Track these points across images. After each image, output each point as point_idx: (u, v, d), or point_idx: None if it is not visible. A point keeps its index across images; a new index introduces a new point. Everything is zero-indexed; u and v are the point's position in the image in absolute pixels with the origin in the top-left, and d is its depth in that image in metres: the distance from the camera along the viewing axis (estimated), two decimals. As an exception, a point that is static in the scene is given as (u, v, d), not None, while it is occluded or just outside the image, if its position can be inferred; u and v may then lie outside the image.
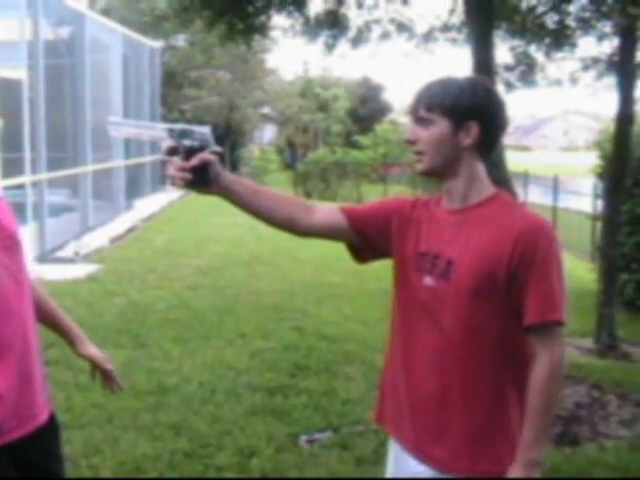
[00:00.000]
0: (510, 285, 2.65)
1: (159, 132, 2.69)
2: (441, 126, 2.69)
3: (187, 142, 2.62)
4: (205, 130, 2.68)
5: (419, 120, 2.73)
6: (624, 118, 9.96)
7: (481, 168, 2.78)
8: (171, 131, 2.65)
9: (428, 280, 2.74)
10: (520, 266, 2.64)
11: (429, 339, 2.76)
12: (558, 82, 12.57)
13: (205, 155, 2.60)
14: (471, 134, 2.69)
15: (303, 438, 6.10)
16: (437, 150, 2.71)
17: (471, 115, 2.68)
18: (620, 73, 10.20)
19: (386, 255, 2.95)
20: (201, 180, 2.63)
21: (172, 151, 2.62)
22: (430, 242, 2.78)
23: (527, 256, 2.63)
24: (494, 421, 2.73)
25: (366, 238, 2.93)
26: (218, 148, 2.68)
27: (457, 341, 2.70)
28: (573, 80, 12.28)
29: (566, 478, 5.61)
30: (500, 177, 7.29)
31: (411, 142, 2.77)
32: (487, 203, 2.76)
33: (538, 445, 2.70)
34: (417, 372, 2.81)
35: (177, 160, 2.59)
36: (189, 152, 2.60)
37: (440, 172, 2.78)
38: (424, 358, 2.79)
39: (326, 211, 2.99)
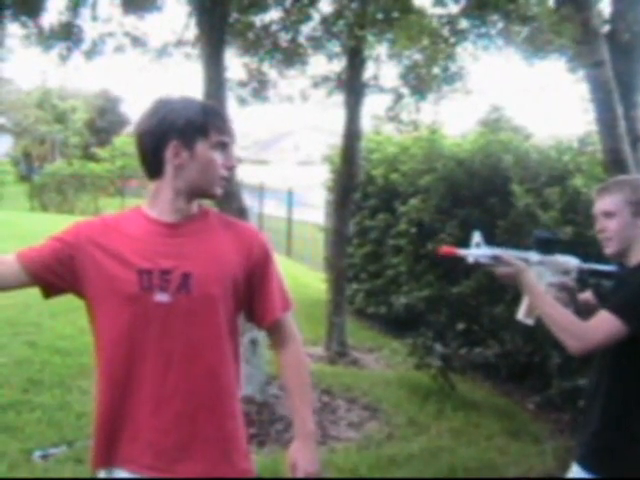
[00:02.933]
0: (247, 287, 2.87)
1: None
2: None
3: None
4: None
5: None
6: (351, 134, 10.43)
7: None
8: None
9: (160, 296, 2.74)
10: (256, 270, 2.87)
11: (164, 357, 2.77)
12: (290, 98, 12.90)
13: None
14: None
15: (37, 454, 6.03)
16: None
17: None
18: (348, 91, 10.65)
19: (74, 290, 2.91)
20: None
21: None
22: (150, 259, 2.78)
23: (261, 261, 2.89)
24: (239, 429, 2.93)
25: (48, 280, 2.89)
26: None
27: (205, 351, 2.78)
28: (304, 97, 12.65)
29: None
30: (229, 190, 7.48)
31: None
32: (200, 217, 2.88)
33: (311, 417, 3.05)
34: (156, 398, 2.79)
35: None
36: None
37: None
38: (161, 381, 2.78)
39: (3, 262, 2.88)
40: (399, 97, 11.83)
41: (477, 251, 3.50)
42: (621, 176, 3.56)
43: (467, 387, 8.67)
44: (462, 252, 3.51)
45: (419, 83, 11.60)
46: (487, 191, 9.43)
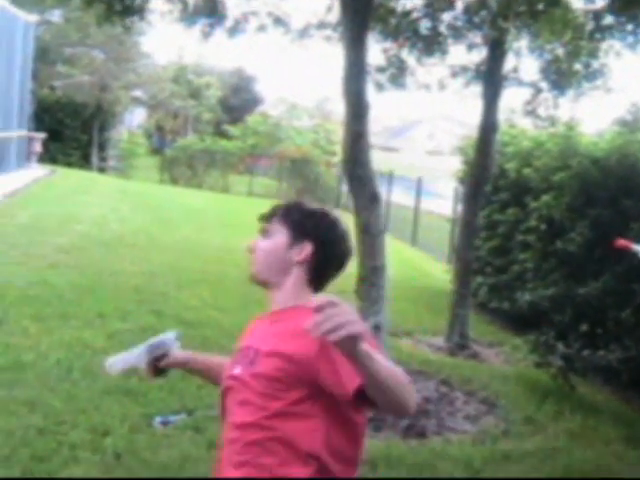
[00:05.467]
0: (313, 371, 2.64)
1: (141, 351, 3.35)
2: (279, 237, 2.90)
3: (158, 352, 3.32)
4: (171, 336, 3.42)
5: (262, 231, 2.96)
6: (487, 126, 10.33)
7: (305, 289, 2.89)
8: (150, 346, 3.34)
9: (237, 370, 2.83)
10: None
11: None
12: (427, 86, 12.85)
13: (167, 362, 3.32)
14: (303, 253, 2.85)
15: (157, 420, 6.14)
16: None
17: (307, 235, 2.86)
18: (486, 82, 10.56)
19: None
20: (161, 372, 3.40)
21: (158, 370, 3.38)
22: (248, 340, 2.97)
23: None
24: None
25: None
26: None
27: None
28: (441, 85, 12.58)
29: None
30: (363, 175, 7.50)
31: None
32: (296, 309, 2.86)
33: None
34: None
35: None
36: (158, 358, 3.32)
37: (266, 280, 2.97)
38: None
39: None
40: (538, 91, 11.69)
41: None
42: None
43: (587, 389, 8.53)
44: (636, 247, 3.47)
45: (559, 78, 11.44)
46: (622, 192, 9.22)
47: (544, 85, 11.57)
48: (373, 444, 6.28)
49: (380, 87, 12.11)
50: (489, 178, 10.80)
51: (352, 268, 7.52)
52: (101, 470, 5.14)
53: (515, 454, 6.40)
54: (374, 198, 7.49)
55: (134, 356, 3.42)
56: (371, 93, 12.07)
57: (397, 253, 19.46)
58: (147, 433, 5.91)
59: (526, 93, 11.71)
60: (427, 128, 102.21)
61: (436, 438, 6.76)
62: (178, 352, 3.39)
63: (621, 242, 3.48)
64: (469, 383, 8.37)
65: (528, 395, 8.16)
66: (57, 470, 5.05)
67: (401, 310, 11.70)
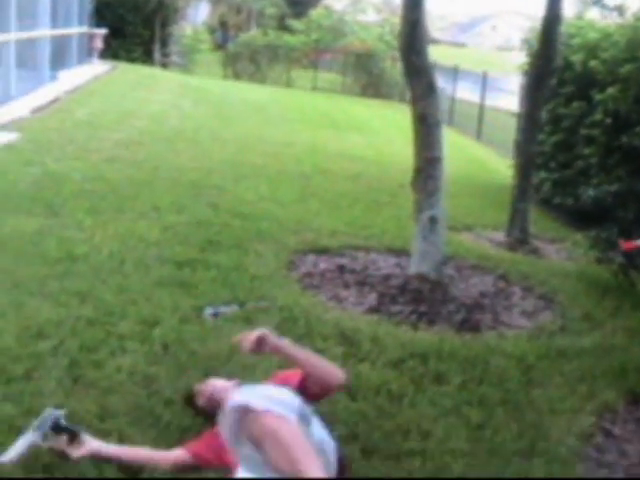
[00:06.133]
0: None
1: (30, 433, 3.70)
2: None
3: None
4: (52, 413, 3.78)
5: None
6: (551, 17, 9.96)
7: None
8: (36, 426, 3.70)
9: None
10: None
11: None
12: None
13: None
14: None
15: (208, 311, 6.13)
16: None
17: None
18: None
19: None
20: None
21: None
22: None
23: None
24: None
25: None
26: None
27: None
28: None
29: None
30: (420, 64, 7.30)
31: None
32: None
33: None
34: None
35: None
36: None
37: None
38: None
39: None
40: (605, -20, 11.26)
41: None
42: None
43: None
44: None
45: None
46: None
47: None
48: (425, 337, 6.21)
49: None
50: (553, 71, 10.45)
51: (410, 163, 7.40)
52: (148, 360, 5.11)
53: (571, 351, 6.26)
54: (431, 88, 7.29)
55: (25, 439, 3.66)
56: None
57: (461, 149, 19.23)
58: (197, 324, 5.88)
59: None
60: (495, 23, 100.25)
61: (490, 333, 6.65)
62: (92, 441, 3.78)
63: (627, 245, 3.38)
64: (527, 278, 8.22)
65: (587, 292, 7.99)
66: (104, 360, 5.04)
67: (463, 205, 11.55)
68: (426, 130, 7.29)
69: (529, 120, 10.41)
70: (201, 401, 4.13)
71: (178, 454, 3.85)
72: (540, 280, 8.18)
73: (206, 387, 4.15)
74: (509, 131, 16.83)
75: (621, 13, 11.59)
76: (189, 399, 4.26)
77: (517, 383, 5.58)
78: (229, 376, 4.33)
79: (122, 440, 4.01)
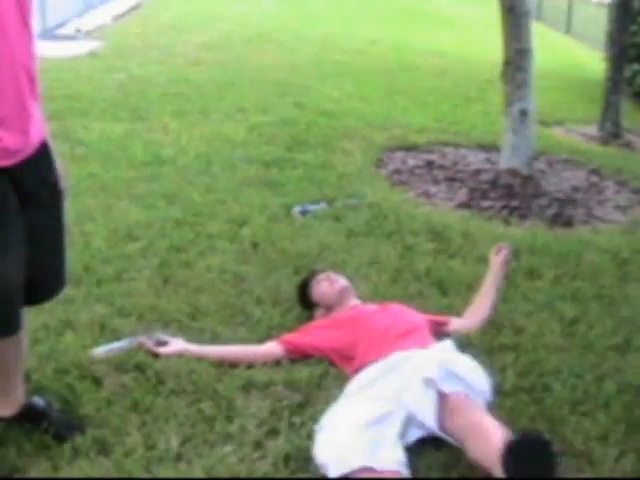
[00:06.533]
0: None
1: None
2: None
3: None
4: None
5: None
6: None
7: None
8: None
9: None
10: None
11: None
12: None
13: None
14: None
15: (296, 209, 6.06)
16: None
17: None
18: None
19: None
20: None
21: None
22: None
23: None
24: None
25: None
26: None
27: None
28: None
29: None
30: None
31: None
32: None
33: None
34: None
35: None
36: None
37: None
38: None
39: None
40: None
41: None
42: None
43: None
44: None
45: None
46: None
47: None
48: (517, 232, 6.08)
49: None
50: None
51: (498, 58, 7.16)
52: (237, 259, 5.07)
53: (668, 244, 6.07)
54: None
55: (121, 343, 3.82)
56: None
57: (550, 43, 18.73)
58: (285, 222, 5.81)
59: None
60: None
61: (583, 227, 6.47)
62: (179, 342, 3.86)
63: None
64: (621, 173, 7.97)
65: (685, 184, 7.73)
66: (194, 260, 5.00)
67: (553, 99, 11.25)
68: (515, 21, 7.04)
69: (621, 10, 10.03)
70: (320, 291, 4.23)
71: (269, 347, 3.84)
72: (634, 174, 7.94)
73: (336, 281, 4.25)
74: (600, 24, 16.30)
75: None
76: (305, 285, 4.32)
77: (611, 278, 5.40)
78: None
79: (214, 338, 3.99)
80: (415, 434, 3.18)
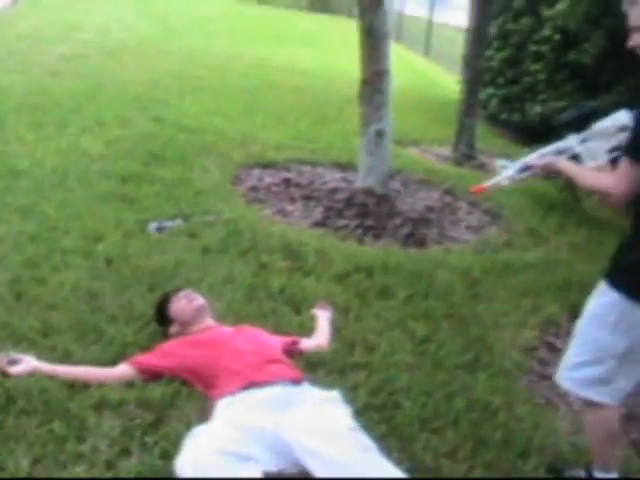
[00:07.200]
0: None
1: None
2: None
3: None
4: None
5: None
6: None
7: None
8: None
9: None
10: None
11: None
12: None
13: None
14: None
15: (152, 225, 6.06)
16: None
17: None
18: None
19: None
20: None
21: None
22: None
23: None
24: None
25: None
26: None
27: None
28: None
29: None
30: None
31: None
32: None
33: None
34: None
35: None
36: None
37: None
38: None
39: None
40: None
41: (507, 172, 3.58)
42: None
43: (592, 204, 8.36)
44: (492, 182, 3.53)
45: None
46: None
47: None
48: (371, 251, 6.23)
49: None
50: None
51: (357, 77, 7.32)
52: (92, 275, 5.04)
53: (515, 265, 6.32)
54: (378, 0, 7.17)
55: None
56: None
57: (409, 64, 19.16)
58: (141, 239, 5.80)
59: None
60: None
61: (436, 247, 6.69)
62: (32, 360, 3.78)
63: (476, 188, 3.46)
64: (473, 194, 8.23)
65: (533, 207, 8.05)
66: (47, 276, 4.95)
67: (410, 120, 11.54)
68: (373, 42, 7.20)
69: (477, 35, 10.34)
70: (178, 307, 4.29)
71: (122, 369, 3.84)
72: (486, 195, 8.20)
73: (195, 299, 4.32)
74: (458, 47, 16.78)
75: None
76: (164, 303, 4.36)
77: (462, 297, 5.61)
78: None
79: (66, 356, 3.97)
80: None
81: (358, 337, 4.69)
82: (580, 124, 3.45)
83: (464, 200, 8.10)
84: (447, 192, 8.24)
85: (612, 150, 3.30)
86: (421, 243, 6.70)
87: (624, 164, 3.04)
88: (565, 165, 3.40)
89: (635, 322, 3.17)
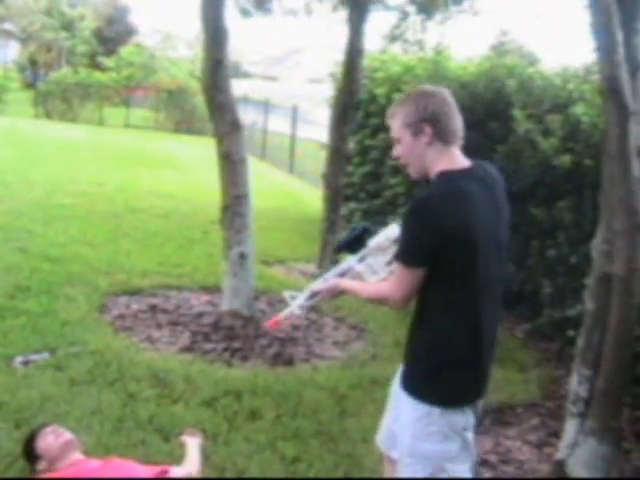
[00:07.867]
0: None
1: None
2: None
3: None
4: None
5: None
6: (353, 51, 10.22)
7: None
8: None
9: None
10: None
11: None
12: (294, 12, 12.70)
13: None
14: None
15: (18, 359, 6.01)
16: None
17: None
18: (352, 7, 10.42)
19: None
20: None
21: None
22: None
23: None
24: None
25: None
26: None
27: None
28: (308, 11, 12.44)
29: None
30: (224, 102, 7.38)
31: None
32: None
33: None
34: None
35: None
36: None
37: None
38: None
39: None
40: (405, 15, 11.63)
41: (297, 301, 3.71)
42: (404, 95, 3.50)
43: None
44: (285, 313, 3.74)
45: (426, 1, 11.38)
46: (489, 115, 9.24)
47: (411, 9, 11.51)
48: (239, 374, 6.27)
49: (245, 13, 11.88)
50: (357, 103, 10.72)
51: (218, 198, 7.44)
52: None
53: (382, 378, 6.39)
54: (235, 125, 7.38)
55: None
56: (237, 20, 11.86)
57: (274, 182, 19.46)
58: (6, 374, 5.74)
59: (394, 17, 11.64)
60: (308, 56, 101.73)
61: (304, 365, 6.77)
62: None
63: (271, 323, 3.68)
64: (339, 309, 8.37)
65: (397, 319, 8.17)
66: None
67: (275, 238, 11.71)
68: (231, 167, 7.37)
69: (336, 153, 10.61)
70: (45, 443, 4.20)
71: None
72: (352, 310, 8.36)
73: (62, 435, 4.24)
74: (320, 163, 17.16)
75: (421, 47, 11.99)
76: (30, 440, 4.28)
77: (331, 414, 5.69)
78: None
79: None
80: None
81: (228, 462, 4.71)
82: (355, 245, 3.66)
83: (330, 316, 8.24)
84: (312, 309, 8.36)
85: (390, 262, 3.49)
86: (289, 362, 6.79)
87: (398, 270, 3.23)
88: (347, 284, 3.57)
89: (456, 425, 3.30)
